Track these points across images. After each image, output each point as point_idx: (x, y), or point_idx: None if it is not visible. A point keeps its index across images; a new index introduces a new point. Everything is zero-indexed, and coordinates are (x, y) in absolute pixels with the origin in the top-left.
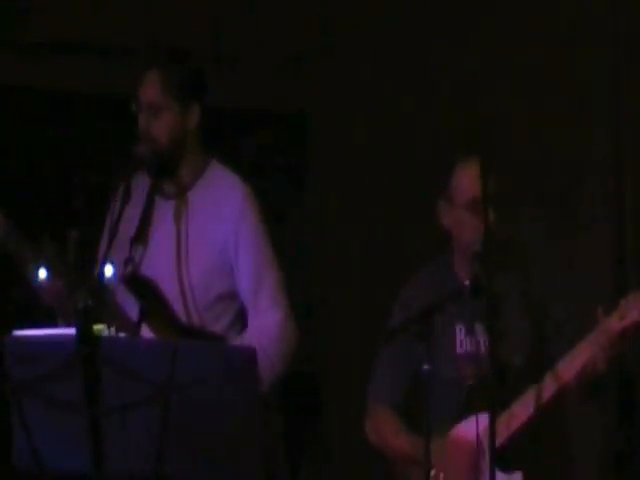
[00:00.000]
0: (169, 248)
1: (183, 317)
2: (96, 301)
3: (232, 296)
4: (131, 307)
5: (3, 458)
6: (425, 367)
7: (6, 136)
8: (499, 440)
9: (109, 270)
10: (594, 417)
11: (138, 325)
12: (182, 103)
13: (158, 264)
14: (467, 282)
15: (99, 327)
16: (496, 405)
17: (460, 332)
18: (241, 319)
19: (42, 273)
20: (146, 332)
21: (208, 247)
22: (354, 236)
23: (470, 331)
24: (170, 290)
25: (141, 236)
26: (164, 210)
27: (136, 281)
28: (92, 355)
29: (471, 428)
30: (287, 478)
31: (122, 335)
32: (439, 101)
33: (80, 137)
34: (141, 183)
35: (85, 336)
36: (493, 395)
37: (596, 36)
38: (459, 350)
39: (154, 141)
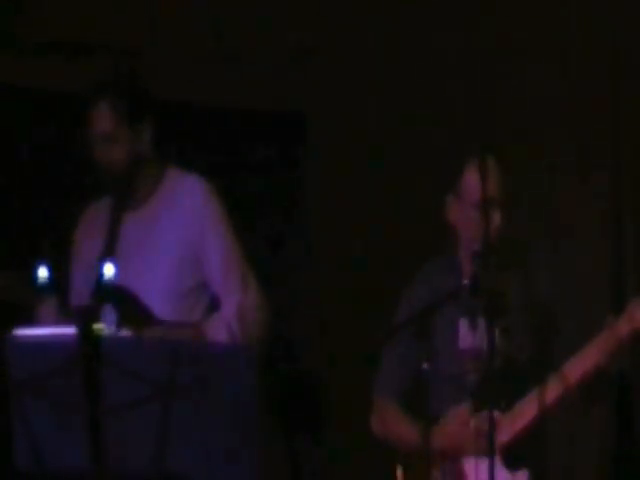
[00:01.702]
0: (137, 254)
1: (161, 314)
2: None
3: (203, 287)
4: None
5: (3, 458)
6: (424, 366)
7: (6, 136)
8: (503, 438)
9: (109, 269)
10: (593, 418)
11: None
12: (134, 127)
13: (129, 270)
14: (466, 281)
15: (99, 326)
16: (498, 400)
17: (463, 327)
18: (212, 309)
19: (43, 272)
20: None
21: (172, 246)
22: (354, 236)
23: (473, 326)
24: (144, 290)
25: (109, 250)
26: (129, 222)
27: (108, 293)
28: (92, 354)
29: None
30: (287, 478)
31: (122, 334)
32: (439, 101)
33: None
34: (102, 204)
35: (86, 335)
36: (494, 391)
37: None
38: (462, 345)
39: (113, 167)
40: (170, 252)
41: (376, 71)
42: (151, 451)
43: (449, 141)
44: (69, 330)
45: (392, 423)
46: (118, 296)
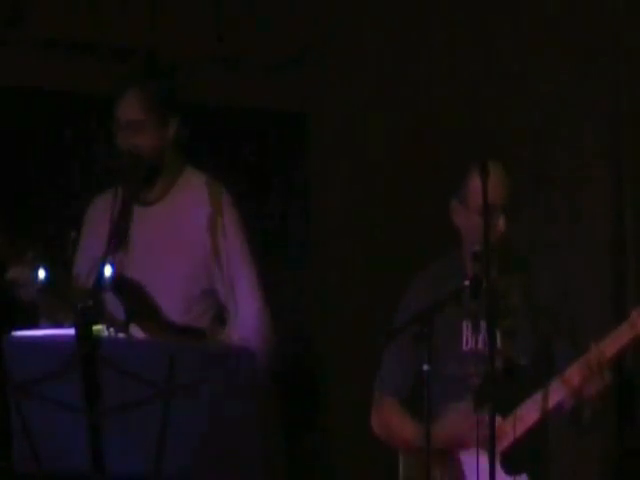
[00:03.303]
0: (150, 251)
1: (171, 315)
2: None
3: (214, 292)
4: (118, 309)
5: (3, 458)
6: (425, 368)
7: (6, 136)
8: (504, 443)
9: (109, 270)
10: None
11: (126, 325)
12: (161, 119)
13: (141, 267)
14: (467, 282)
15: (98, 328)
16: (500, 403)
17: (467, 329)
18: (221, 314)
19: (41, 273)
20: (135, 332)
21: (187, 247)
22: (354, 236)
23: (476, 329)
24: (156, 290)
25: (121, 243)
26: (142, 217)
27: (121, 284)
28: (92, 356)
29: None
30: (287, 477)
31: (121, 336)
32: (439, 101)
33: (79, 137)
34: (110, 197)
35: (85, 337)
36: (496, 394)
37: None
38: (465, 347)
39: (135, 156)
40: (185, 254)
41: (376, 71)
42: (150, 452)
43: (449, 140)
44: (68, 332)
45: (392, 422)
46: (130, 292)
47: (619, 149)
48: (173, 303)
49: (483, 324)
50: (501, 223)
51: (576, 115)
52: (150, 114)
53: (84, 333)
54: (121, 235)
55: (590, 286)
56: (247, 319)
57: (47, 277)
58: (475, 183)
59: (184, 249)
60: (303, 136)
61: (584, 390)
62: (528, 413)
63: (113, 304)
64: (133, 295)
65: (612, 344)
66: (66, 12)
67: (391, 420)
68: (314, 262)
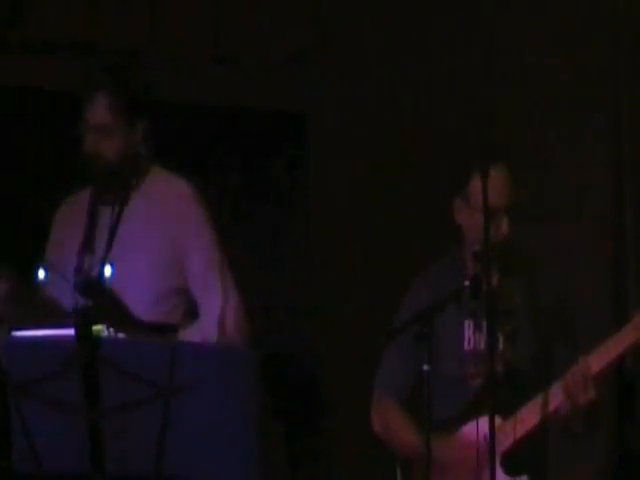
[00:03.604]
0: (118, 251)
1: (139, 313)
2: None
3: (183, 291)
4: None
5: (3, 458)
6: (425, 368)
7: (6, 136)
8: (505, 444)
9: (108, 270)
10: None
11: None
12: (130, 122)
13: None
14: (467, 282)
15: (98, 328)
16: (500, 406)
17: (468, 329)
18: (192, 312)
19: (41, 273)
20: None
21: (155, 246)
22: (354, 236)
23: (478, 329)
24: (125, 289)
25: (89, 245)
26: (108, 217)
27: (88, 286)
28: (91, 356)
29: (478, 430)
30: (287, 478)
31: (121, 336)
32: (439, 101)
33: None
34: (80, 199)
35: (84, 337)
36: (496, 395)
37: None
38: (466, 347)
39: (104, 159)
40: (153, 251)
41: (376, 71)
42: (150, 452)
43: (449, 141)
44: (68, 332)
45: (392, 423)
46: (98, 293)
47: (619, 149)
48: (142, 301)
49: (485, 324)
50: (504, 225)
51: (576, 115)
52: (119, 118)
53: (84, 333)
54: (89, 237)
55: (590, 287)
56: (207, 320)
57: (47, 277)
58: (479, 183)
59: (152, 248)
60: (303, 136)
61: (571, 402)
62: (528, 416)
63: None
64: (100, 296)
65: (600, 357)
66: (66, 12)
67: (390, 421)
68: (314, 262)
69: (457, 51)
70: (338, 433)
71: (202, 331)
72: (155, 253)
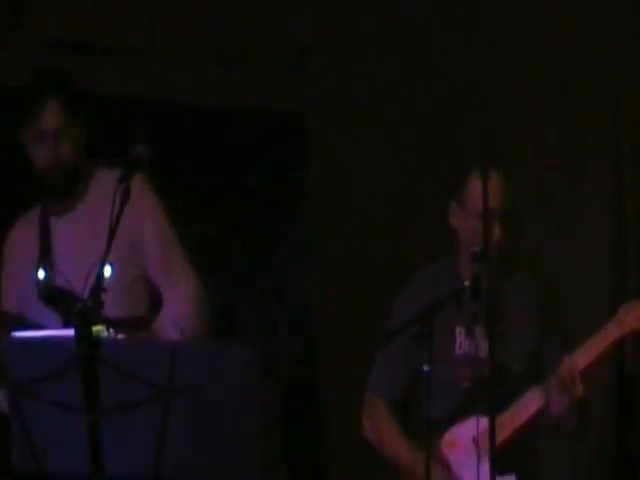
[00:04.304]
0: (77, 255)
1: (111, 310)
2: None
3: (146, 279)
4: (53, 319)
5: (3, 458)
6: (425, 368)
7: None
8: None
9: (108, 271)
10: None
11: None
12: (78, 125)
13: (71, 272)
14: (467, 283)
15: (98, 328)
16: (493, 408)
17: (460, 334)
18: (155, 300)
19: (41, 273)
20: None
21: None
22: (354, 236)
23: (470, 333)
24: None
25: (45, 257)
26: (62, 226)
27: (51, 295)
28: (91, 356)
29: (465, 431)
30: (286, 478)
31: (121, 336)
32: (439, 101)
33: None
34: (30, 215)
35: (84, 337)
36: (490, 397)
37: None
38: (458, 351)
39: (65, 164)
40: (113, 249)
41: (376, 71)
42: (150, 453)
43: (449, 141)
44: (68, 332)
45: (382, 434)
46: (63, 301)
47: (619, 149)
48: (111, 296)
49: (477, 329)
50: (496, 230)
51: (576, 115)
52: (70, 121)
53: (84, 333)
54: (45, 249)
55: (590, 287)
56: (173, 307)
57: (46, 277)
58: (474, 187)
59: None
60: (303, 136)
61: (558, 401)
62: (516, 415)
63: (49, 315)
64: (65, 301)
65: (585, 355)
66: (66, 12)
67: (382, 430)
68: (314, 262)
69: (457, 51)
70: (338, 434)
71: (173, 318)
72: (115, 249)
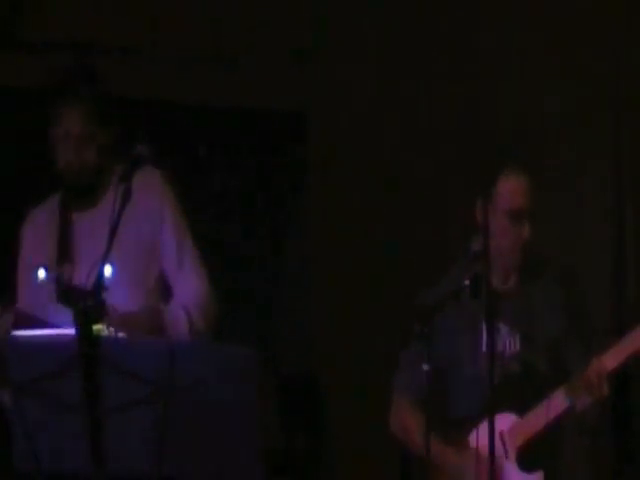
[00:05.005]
0: (96, 252)
1: (124, 304)
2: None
3: (159, 274)
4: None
5: (3, 458)
6: (425, 368)
7: (6, 137)
8: (519, 442)
9: (108, 270)
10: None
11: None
12: (104, 129)
13: (91, 272)
14: (467, 281)
15: (98, 327)
16: (517, 404)
17: (486, 331)
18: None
19: (41, 273)
20: None
21: (134, 238)
22: (354, 236)
23: (496, 330)
24: (110, 291)
25: (65, 254)
26: (82, 222)
27: (68, 294)
28: (92, 355)
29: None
30: (287, 477)
31: (121, 335)
32: (439, 100)
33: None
34: (47, 206)
35: (85, 336)
36: (491, 398)
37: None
38: (484, 349)
39: (79, 167)
40: (129, 250)
41: (376, 70)
42: (150, 452)
43: (449, 140)
44: (68, 331)
45: (409, 431)
46: (79, 300)
47: (619, 149)
48: (128, 300)
49: (503, 326)
50: (526, 229)
51: (576, 115)
52: (94, 126)
53: (84, 333)
54: (65, 246)
55: (590, 286)
56: (185, 297)
57: (47, 276)
58: (505, 186)
59: (128, 246)
60: (303, 136)
61: (582, 400)
62: (541, 414)
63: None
64: (81, 301)
65: (614, 357)
66: (66, 12)
67: (409, 427)
68: (314, 262)
69: (457, 51)
70: (338, 434)
71: (184, 308)
72: (135, 246)
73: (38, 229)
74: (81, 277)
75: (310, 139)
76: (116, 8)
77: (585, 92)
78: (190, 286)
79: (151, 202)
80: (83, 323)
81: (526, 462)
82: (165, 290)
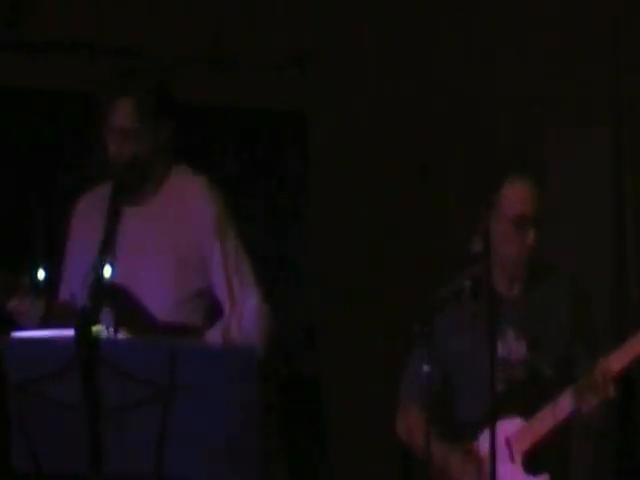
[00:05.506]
0: (140, 253)
1: (161, 316)
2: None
3: (205, 293)
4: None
5: (3, 458)
6: (425, 368)
7: (6, 137)
8: (525, 446)
9: (108, 270)
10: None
11: (115, 332)
12: (154, 126)
13: (131, 269)
14: (467, 282)
15: (98, 328)
16: (523, 408)
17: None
18: (210, 316)
19: (41, 274)
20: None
21: (177, 247)
22: (354, 236)
23: (502, 336)
24: (146, 292)
25: (108, 246)
26: (130, 217)
27: (108, 291)
28: (91, 356)
29: (498, 432)
30: (287, 477)
31: (121, 336)
32: (440, 100)
33: (79, 136)
34: (98, 194)
35: (84, 337)
36: (492, 399)
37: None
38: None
39: (126, 161)
40: (175, 253)
41: (376, 70)
42: (150, 453)
43: (449, 141)
44: (68, 332)
45: (416, 437)
46: (117, 298)
47: (619, 149)
48: (163, 304)
49: (510, 332)
50: (531, 236)
51: (577, 115)
52: (144, 122)
53: (84, 334)
54: (110, 238)
55: (590, 286)
56: (247, 314)
57: (46, 278)
58: (510, 192)
59: (174, 249)
60: (303, 136)
61: (588, 401)
62: (548, 417)
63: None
64: (121, 300)
65: (620, 359)
66: (66, 12)
67: (414, 432)
68: (314, 261)
69: (457, 51)
70: (338, 435)
71: (241, 330)
72: (178, 255)
73: (86, 215)
74: (118, 272)
75: (310, 139)
76: (116, 8)
77: (585, 92)
78: (250, 303)
79: (201, 215)
80: (82, 324)
81: (532, 465)
82: (212, 305)
